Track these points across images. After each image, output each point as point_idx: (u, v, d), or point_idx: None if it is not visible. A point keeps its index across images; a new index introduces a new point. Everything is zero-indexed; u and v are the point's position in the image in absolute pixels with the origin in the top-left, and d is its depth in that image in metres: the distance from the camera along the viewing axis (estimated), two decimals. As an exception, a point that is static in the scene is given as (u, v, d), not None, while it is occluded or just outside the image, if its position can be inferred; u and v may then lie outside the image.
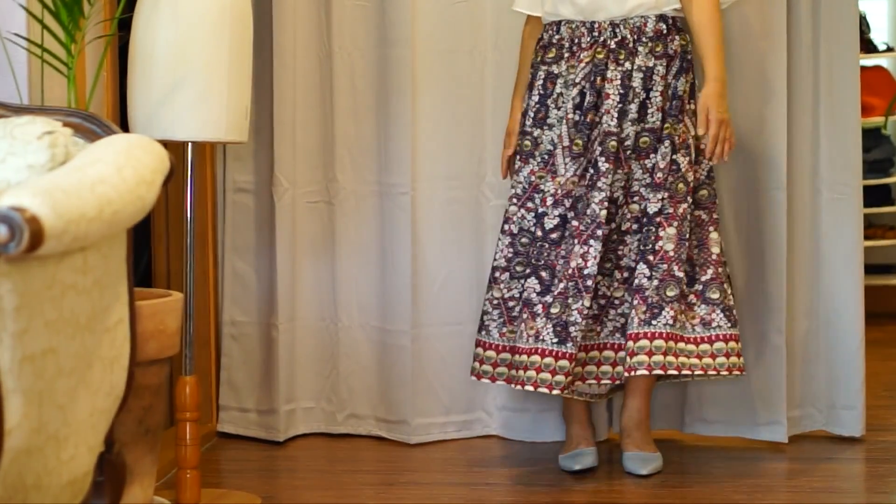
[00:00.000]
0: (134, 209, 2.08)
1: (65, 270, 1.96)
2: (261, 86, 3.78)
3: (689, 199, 3.42)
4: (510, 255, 3.49)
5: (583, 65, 3.42)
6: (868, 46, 5.94)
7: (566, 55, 3.47)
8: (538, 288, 3.43)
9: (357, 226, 3.90)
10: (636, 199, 3.42)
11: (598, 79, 3.41)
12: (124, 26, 3.18)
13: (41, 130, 2.20)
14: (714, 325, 3.40)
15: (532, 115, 3.50)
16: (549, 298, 3.39)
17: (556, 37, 3.49)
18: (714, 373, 3.40)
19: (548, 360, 3.33)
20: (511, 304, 3.49)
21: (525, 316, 3.41)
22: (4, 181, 2.17)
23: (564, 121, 3.43)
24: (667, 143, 3.41)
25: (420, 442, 3.83)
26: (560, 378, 3.32)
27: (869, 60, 6.01)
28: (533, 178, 3.48)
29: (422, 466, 3.64)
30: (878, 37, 6.26)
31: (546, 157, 3.47)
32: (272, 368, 3.87)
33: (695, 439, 3.81)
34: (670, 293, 3.35)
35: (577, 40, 3.46)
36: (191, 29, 3.01)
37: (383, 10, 3.84)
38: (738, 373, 3.42)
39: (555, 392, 3.32)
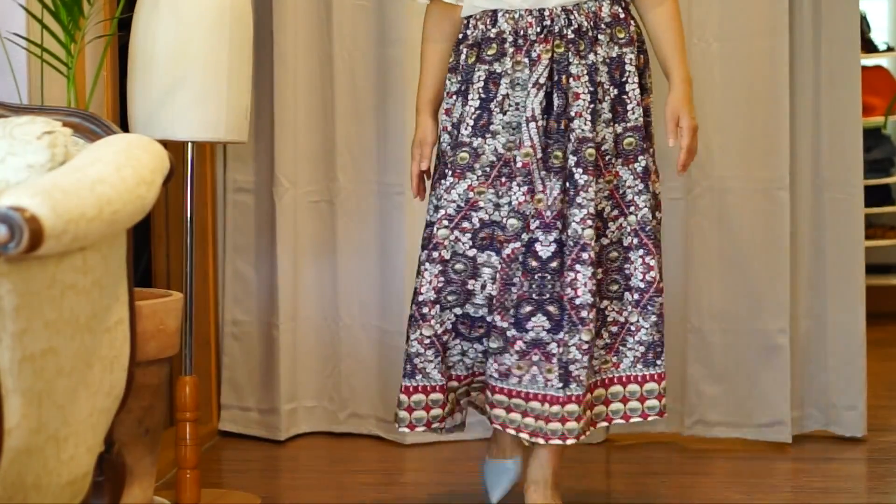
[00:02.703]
0: (134, 209, 2.07)
1: (64, 270, 1.96)
2: (261, 86, 3.78)
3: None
4: (441, 286, 2.94)
5: (544, 61, 2.91)
6: (868, 46, 5.94)
7: (510, 50, 2.94)
8: (548, 325, 2.89)
9: (358, 225, 3.90)
10: (632, 209, 2.96)
11: (564, 77, 2.91)
12: (124, 26, 3.17)
13: (41, 130, 2.19)
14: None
15: (472, 122, 2.95)
16: (562, 335, 2.90)
17: (494, 30, 2.95)
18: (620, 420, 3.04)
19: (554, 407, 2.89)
20: (445, 338, 2.95)
21: (537, 358, 2.90)
22: (4, 181, 2.17)
23: (530, 129, 2.89)
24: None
25: (417, 442, 3.83)
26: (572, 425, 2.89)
27: (869, 60, 6.01)
28: (471, 195, 2.95)
29: (422, 466, 3.64)
30: (879, 36, 6.25)
31: (488, 169, 2.94)
32: (273, 367, 3.88)
33: (695, 440, 3.81)
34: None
35: (522, 32, 2.93)
36: (191, 29, 3.01)
37: (383, 10, 3.84)
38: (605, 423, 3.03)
39: (569, 442, 2.89)
